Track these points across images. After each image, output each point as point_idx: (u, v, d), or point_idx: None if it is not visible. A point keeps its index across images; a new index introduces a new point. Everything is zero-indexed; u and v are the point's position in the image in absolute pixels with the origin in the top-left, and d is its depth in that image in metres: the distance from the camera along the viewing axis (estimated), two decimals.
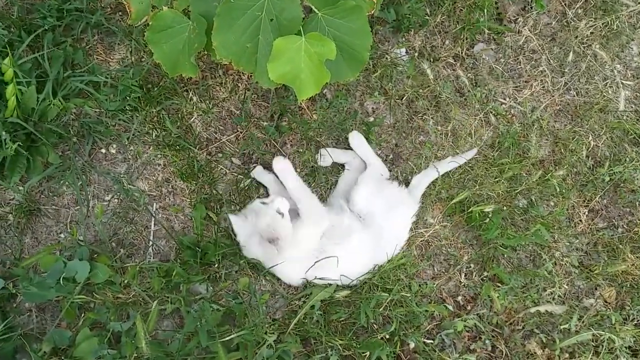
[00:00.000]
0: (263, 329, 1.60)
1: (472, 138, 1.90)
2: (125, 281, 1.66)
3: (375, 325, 1.73)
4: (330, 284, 1.66)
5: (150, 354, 1.50)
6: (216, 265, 1.70)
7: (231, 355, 1.58)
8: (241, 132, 1.83)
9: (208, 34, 1.21)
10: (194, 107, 1.81)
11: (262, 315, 1.64)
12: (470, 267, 1.86)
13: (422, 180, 1.81)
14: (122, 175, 1.76)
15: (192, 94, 1.81)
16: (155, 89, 1.76)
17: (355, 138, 1.79)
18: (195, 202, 1.76)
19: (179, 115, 1.79)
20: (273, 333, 1.61)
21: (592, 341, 1.77)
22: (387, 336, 1.70)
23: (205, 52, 1.33)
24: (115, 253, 1.71)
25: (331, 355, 1.64)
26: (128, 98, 1.72)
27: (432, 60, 1.92)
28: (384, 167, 1.80)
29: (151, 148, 1.78)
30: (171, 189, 1.79)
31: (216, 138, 1.82)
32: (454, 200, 1.81)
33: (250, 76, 1.79)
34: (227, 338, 1.56)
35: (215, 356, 1.54)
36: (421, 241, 1.84)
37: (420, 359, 1.69)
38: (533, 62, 1.98)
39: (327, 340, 1.65)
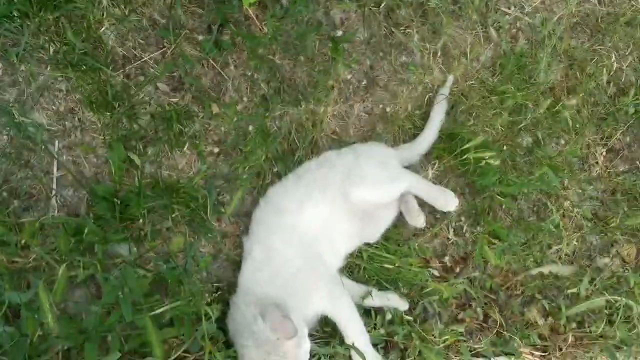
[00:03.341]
0: (203, 299, 1.49)
1: (467, 59, 1.82)
2: (23, 241, 1.53)
3: None
4: None
5: (59, 331, 1.39)
6: (141, 221, 1.58)
7: (164, 332, 1.48)
8: (168, 49, 1.70)
9: None
10: (105, 14, 1.66)
11: (202, 283, 1.57)
12: (461, 220, 1.82)
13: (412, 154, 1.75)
14: (11, 105, 1.62)
15: None
16: None
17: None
18: (111, 140, 1.63)
19: (85, 24, 1.64)
20: (217, 303, 1.51)
21: (606, 308, 1.74)
22: None
23: None
24: (7, 205, 1.59)
25: None
26: (15, 0, 1.55)
27: None
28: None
29: (49, 68, 1.64)
30: (78, 123, 1.66)
31: (135, 56, 1.69)
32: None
33: None
34: (158, 311, 1.44)
35: (143, 333, 1.43)
36: None
37: (398, 331, 1.61)
38: None
39: None
